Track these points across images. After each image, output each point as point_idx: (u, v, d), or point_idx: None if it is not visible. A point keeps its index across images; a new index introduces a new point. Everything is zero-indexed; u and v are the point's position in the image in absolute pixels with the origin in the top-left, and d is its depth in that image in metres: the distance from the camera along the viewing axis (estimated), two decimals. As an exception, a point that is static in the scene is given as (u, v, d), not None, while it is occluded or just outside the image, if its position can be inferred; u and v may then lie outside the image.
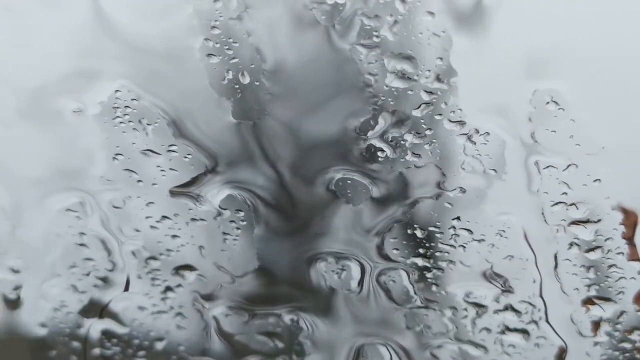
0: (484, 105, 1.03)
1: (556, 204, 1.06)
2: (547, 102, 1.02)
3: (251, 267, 1.15)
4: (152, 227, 1.14)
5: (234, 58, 1.04)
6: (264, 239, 1.13)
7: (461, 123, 1.04)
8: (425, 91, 1.03)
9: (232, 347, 1.19)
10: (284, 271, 1.15)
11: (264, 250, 1.14)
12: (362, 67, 1.03)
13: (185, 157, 1.09)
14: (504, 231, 1.09)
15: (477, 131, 1.04)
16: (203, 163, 1.09)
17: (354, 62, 1.02)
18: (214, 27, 1.03)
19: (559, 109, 1.02)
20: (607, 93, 1.00)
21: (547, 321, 1.12)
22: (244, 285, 1.17)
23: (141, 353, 1.20)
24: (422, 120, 1.05)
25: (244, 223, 1.13)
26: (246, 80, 1.05)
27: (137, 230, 1.14)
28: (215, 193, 1.11)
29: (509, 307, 1.13)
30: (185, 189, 1.11)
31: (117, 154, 1.10)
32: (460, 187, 1.07)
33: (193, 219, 1.13)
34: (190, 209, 1.12)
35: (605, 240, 1.07)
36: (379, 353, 1.17)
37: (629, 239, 1.07)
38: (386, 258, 1.12)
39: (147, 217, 1.13)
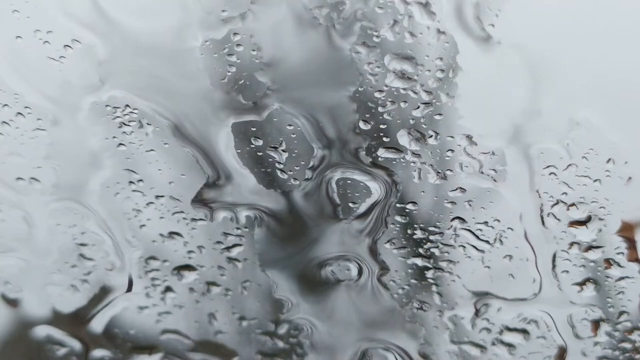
0: (484, 104, 1.03)
1: (556, 203, 1.06)
2: (547, 102, 1.02)
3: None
4: (152, 226, 1.14)
5: (234, 58, 1.04)
6: (264, 241, 1.13)
7: (461, 123, 1.04)
8: (425, 91, 1.03)
9: (231, 346, 1.19)
10: (286, 275, 1.15)
11: (265, 254, 1.14)
12: (362, 67, 1.03)
13: (185, 157, 1.09)
14: (504, 231, 1.09)
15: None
16: (203, 165, 1.09)
17: (354, 62, 1.02)
18: (214, 27, 1.03)
19: (560, 108, 1.02)
20: (608, 93, 1.00)
21: (550, 316, 1.12)
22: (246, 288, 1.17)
23: (141, 353, 1.20)
24: (422, 120, 1.04)
25: (245, 229, 1.13)
26: (246, 80, 1.05)
27: (137, 231, 1.14)
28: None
29: (507, 308, 1.13)
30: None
31: (117, 154, 1.10)
32: (460, 187, 1.07)
33: (193, 219, 1.13)
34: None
35: (603, 238, 1.07)
36: (380, 355, 1.17)
37: (630, 242, 1.07)
38: (383, 262, 1.12)
39: (148, 219, 1.13)
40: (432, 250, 1.11)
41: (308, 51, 1.02)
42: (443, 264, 1.12)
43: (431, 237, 1.10)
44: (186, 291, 1.17)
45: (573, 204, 1.06)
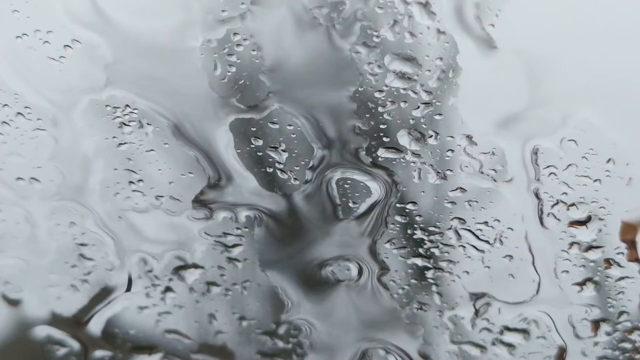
0: (484, 104, 1.03)
1: (556, 204, 1.06)
2: (547, 102, 1.02)
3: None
4: (152, 226, 1.14)
5: (234, 58, 1.04)
6: (264, 241, 1.13)
7: (461, 123, 1.04)
8: (425, 91, 1.03)
9: (231, 346, 1.19)
10: (287, 275, 1.15)
11: (265, 254, 1.14)
12: (362, 67, 1.03)
13: (185, 157, 1.09)
14: (503, 231, 1.09)
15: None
16: (203, 165, 1.09)
17: (354, 62, 1.02)
18: (214, 27, 1.03)
19: (560, 108, 1.02)
20: (608, 93, 1.00)
21: (550, 316, 1.12)
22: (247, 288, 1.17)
23: (141, 353, 1.20)
24: (422, 120, 1.04)
25: (245, 229, 1.13)
26: (246, 80, 1.05)
27: (137, 230, 1.14)
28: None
29: (507, 308, 1.13)
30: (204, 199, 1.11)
31: (117, 154, 1.10)
32: (460, 187, 1.07)
33: (193, 219, 1.13)
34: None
35: (603, 238, 1.07)
36: (380, 355, 1.17)
37: (630, 244, 1.07)
38: (383, 262, 1.12)
39: (148, 219, 1.13)
40: (432, 250, 1.11)
41: (308, 51, 1.02)
42: (443, 264, 1.12)
43: (431, 237, 1.10)
44: (186, 291, 1.18)
45: (573, 204, 1.06)
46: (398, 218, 1.10)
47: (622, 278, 1.09)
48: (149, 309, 1.18)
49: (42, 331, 1.20)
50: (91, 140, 1.10)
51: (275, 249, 1.14)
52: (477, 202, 1.07)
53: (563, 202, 1.06)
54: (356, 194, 1.09)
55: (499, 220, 1.08)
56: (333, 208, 1.10)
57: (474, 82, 1.02)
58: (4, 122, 1.09)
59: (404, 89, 1.03)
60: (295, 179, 1.09)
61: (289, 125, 1.06)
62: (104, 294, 1.18)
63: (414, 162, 1.07)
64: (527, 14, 0.98)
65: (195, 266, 1.16)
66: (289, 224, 1.12)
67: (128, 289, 1.17)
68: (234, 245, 1.14)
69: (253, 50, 1.03)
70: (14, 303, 1.20)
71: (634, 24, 0.97)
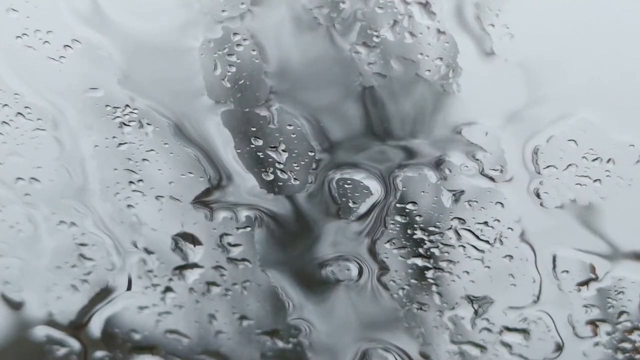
0: (484, 104, 1.03)
1: (557, 205, 1.06)
2: (547, 102, 1.02)
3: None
4: (152, 227, 1.14)
5: (234, 58, 1.04)
6: (264, 242, 1.14)
7: (461, 123, 1.04)
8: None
9: (231, 346, 1.19)
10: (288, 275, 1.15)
11: (266, 254, 1.14)
12: (362, 67, 1.03)
13: (185, 157, 1.09)
14: (503, 231, 1.09)
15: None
16: (203, 164, 1.09)
17: (354, 62, 1.02)
18: (214, 27, 1.03)
19: (560, 108, 1.02)
20: (608, 93, 1.00)
21: (550, 316, 1.12)
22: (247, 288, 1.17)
23: (141, 353, 1.20)
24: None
25: (247, 229, 1.13)
26: (246, 80, 1.05)
27: (137, 230, 1.14)
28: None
29: (508, 308, 1.13)
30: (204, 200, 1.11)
31: (117, 154, 1.10)
32: (461, 187, 1.07)
33: (193, 219, 1.13)
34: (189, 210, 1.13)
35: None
36: (380, 355, 1.17)
37: None
38: (383, 262, 1.12)
39: (148, 219, 1.13)
40: (432, 250, 1.11)
41: (308, 51, 1.02)
42: (443, 264, 1.12)
43: (431, 237, 1.10)
44: (186, 291, 1.18)
45: (573, 204, 1.06)
46: (398, 218, 1.10)
47: (622, 278, 1.09)
48: (149, 309, 1.18)
49: (42, 331, 1.20)
50: (91, 140, 1.10)
51: (275, 248, 1.14)
52: (477, 202, 1.07)
53: (563, 201, 1.06)
54: (356, 194, 1.09)
55: (499, 220, 1.08)
56: (333, 208, 1.10)
57: (473, 82, 1.02)
58: (4, 122, 1.09)
59: (404, 89, 1.03)
60: (295, 179, 1.09)
61: (289, 125, 1.06)
62: (104, 294, 1.18)
63: (414, 163, 1.07)
64: (527, 14, 0.98)
65: (195, 266, 1.16)
66: (289, 224, 1.12)
67: (128, 289, 1.17)
68: (234, 245, 1.14)
69: (253, 50, 1.03)
70: (14, 303, 1.20)
71: (634, 24, 0.97)
